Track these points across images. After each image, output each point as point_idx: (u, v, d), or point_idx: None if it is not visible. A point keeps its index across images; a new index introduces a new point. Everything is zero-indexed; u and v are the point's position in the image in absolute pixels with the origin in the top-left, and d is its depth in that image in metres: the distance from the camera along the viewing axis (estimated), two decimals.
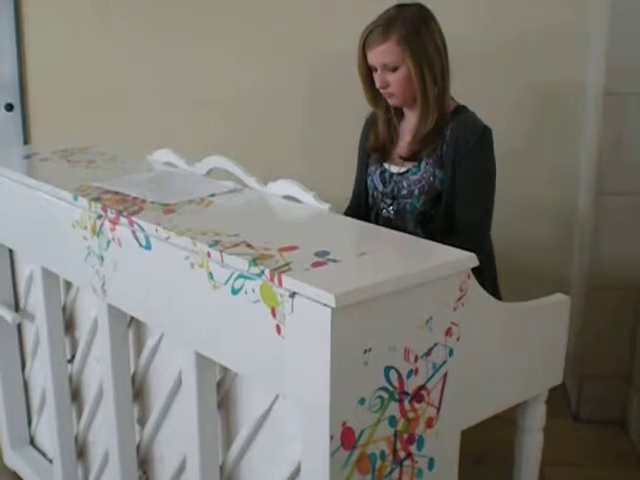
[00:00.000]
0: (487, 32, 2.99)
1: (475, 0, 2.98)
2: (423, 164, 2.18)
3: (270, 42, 3.14)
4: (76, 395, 2.29)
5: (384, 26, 2.12)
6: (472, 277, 1.54)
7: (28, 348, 2.49)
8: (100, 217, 1.84)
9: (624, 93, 2.68)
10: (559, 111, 3.05)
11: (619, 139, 2.72)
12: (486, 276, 2.08)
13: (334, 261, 1.46)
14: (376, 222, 2.26)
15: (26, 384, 2.56)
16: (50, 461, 2.45)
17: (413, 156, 2.19)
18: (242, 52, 3.17)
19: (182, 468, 1.87)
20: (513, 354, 1.73)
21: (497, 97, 3.01)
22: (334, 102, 3.05)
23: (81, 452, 2.33)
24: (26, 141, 3.40)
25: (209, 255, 1.54)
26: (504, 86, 3.03)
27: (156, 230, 1.67)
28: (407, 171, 2.21)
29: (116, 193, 1.94)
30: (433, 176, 2.16)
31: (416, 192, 2.19)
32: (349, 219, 1.82)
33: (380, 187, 2.27)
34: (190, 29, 3.18)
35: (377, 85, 2.18)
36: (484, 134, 2.15)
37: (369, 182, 2.32)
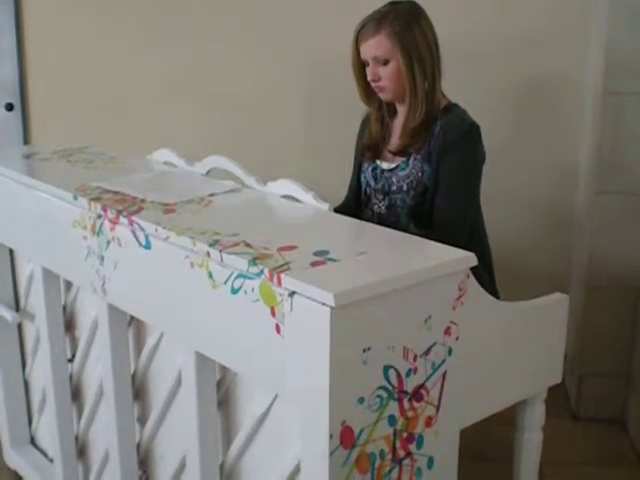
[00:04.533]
0: (486, 30, 2.99)
1: None
2: (411, 160, 2.20)
3: (270, 42, 3.14)
4: (76, 394, 2.30)
5: (376, 20, 2.17)
6: (471, 276, 1.54)
7: (28, 348, 2.49)
8: (100, 217, 1.84)
9: (622, 92, 2.68)
10: (558, 110, 3.06)
11: (617, 138, 2.72)
12: (483, 275, 2.10)
13: (333, 260, 1.46)
14: (370, 218, 2.29)
15: (26, 383, 2.56)
16: (50, 460, 2.45)
17: (402, 150, 2.22)
18: (242, 52, 3.17)
19: (182, 467, 1.88)
20: (512, 353, 1.74)
21: (495, 95, 3.02)
22: (334, 102, 3.06)
23: (81, 451, 2.34)
24: (26, 141, 3.41)
25: (209, 255, 1.54)
26: (503, 85, 3.03)
27: (156, 230, 1.68)
28: (396, 167, 2.24)
29: (116, 193, 1.94)
30: (421, 171, 2.18)
31: (405, 187, 2.21)
32: (348, 218, 1.82)
33: (372, 183, 2.30)
34: (190, 29, 3.19)
35: (369, 78, 2.22)
36: (469, 132, 2.17)
37: (362, 179, 2.35)
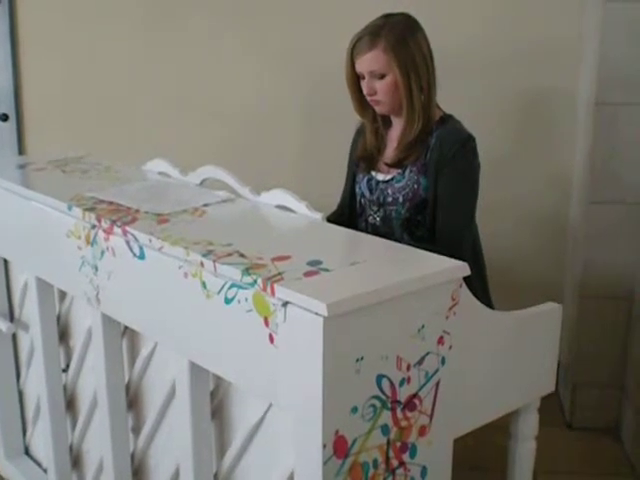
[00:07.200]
0: (480, 43, 3.00)
1: (469, 12, 3.00)
2: (407, 171, 2.20)
3: (266, 54, 3.15)
4: (70, 404, 2.29)
5: (371, 34, 2.15)
6: (464, 286, 1.55)
7: (23, 358, 2.49)
8: (94, 227, 1.84)
9: (615, 103, 2.69)
10: (552, 121, 3.07)
11: (610, 148, 2.73)
12: (477, 285, 2.10)
13: (326, 270, 1.46)
14: (364, 229, 2.29)
15: (21, 394, 2.56)
16: (45, 470, 2.45)
17: (398, 163, 2.22)
18: (238, 63, 3.18)
19: (176, 476, 1.88)
20: (505, 362, 1.74)
21: (490, 107, 3.03)
22: (328, 112, 3.07)
23: (75, 461, 2.33)
24: (21, 151, 3.41)
25: (202, 265, 1.55)
26: (497, 96, 3.04)
27: (150, 240, 1.68)
28: (392, 179, 2.23)
29: (110, 203, 1.94)
30: (417, 183, 2.18)
31: (400, 199, 2.21)
32: (341, 228, 1.83)
33: (367, 194, 2.30)
34: (187, 40, 3.20)
35: (365, 92, 2.21)
36: (466, 143, 2.16)
37: (357, 189, 2.35)
